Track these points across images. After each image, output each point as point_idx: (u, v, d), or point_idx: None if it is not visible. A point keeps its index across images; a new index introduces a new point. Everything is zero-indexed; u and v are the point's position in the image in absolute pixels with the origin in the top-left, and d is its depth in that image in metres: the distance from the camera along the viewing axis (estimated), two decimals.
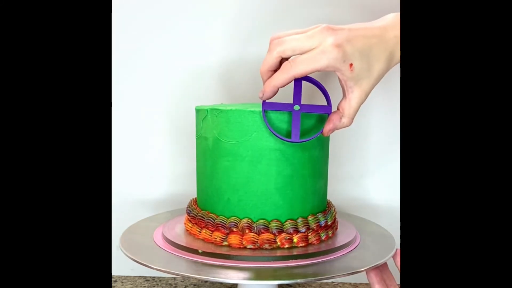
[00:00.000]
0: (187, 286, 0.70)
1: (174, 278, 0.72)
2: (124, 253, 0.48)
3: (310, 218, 0.50)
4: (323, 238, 0.51)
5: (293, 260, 0.46)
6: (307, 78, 0.46)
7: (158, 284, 0.70)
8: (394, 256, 0.49)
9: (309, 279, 0.44)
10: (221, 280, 0.42)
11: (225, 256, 0.46)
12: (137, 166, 0.71)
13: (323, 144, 0.52)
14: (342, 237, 0.53)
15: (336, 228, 0.55)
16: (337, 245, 0.50)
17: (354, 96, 0.45)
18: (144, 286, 0.70)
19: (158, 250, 0.50)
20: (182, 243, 0.50)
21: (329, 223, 0.52)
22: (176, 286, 0.70)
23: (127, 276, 0.73)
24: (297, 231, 0.49)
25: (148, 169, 0.71)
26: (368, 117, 0.69)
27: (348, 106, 0.45)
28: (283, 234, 0.48)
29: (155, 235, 0.54)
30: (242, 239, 0.48)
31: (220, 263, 0.46)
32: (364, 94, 0.45)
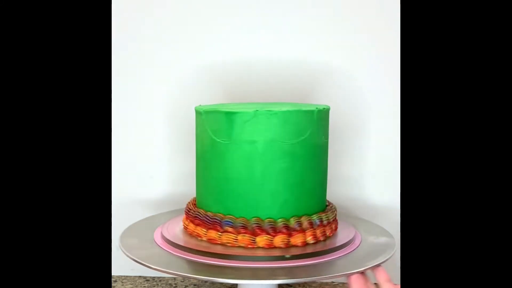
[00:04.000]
0: (187, 286, 0.70)
1: (174, 278, 0.72)
2: (124, 253, 0.48)
3: (210, 214, 0.50)
4: (232, 241, 0.48)
5: (293, 260, 0.46)
6: None
7: (158, 284, 0.70)
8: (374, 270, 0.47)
9: (309, 279, 0.44)
10: (221, 280, 0.43)
11: (225, 256, 0.46)
12: (137, 166, 0.71)
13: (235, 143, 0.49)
14: (341, 237, 0.53)
15: (327, 234, 0.52)
16: (337, 245, 0.50)
17: None
18: (144, 286, 0.70)
19: (158, 250, 0.50)
20: (182, 243, 0.50)
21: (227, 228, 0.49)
22: (176, 286, 0.70)
23: (127, 276, 0.73)
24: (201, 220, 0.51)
25: (148, 169, 0.71)
26: (368, 118, 0.69)
27: None
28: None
29: (155, 235, 0.54)
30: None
31: (220, 263, 0.46)
32: None
